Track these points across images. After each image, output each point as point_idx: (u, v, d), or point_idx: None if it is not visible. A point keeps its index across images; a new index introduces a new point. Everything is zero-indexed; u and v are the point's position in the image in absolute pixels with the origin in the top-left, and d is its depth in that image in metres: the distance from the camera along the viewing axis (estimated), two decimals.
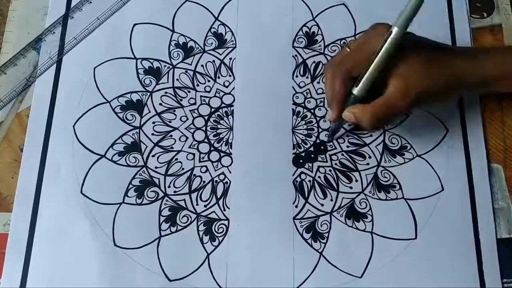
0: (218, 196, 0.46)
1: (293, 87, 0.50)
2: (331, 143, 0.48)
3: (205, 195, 0.47)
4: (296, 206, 0.46)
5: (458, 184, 0.47)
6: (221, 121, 0.49)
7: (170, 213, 0.46)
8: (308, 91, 0.50)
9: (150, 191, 0.46)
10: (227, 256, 0.45)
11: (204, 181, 0.47)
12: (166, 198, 0.46)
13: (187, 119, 0.49)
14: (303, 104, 0.50)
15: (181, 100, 0.50)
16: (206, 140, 0.48)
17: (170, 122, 0.49)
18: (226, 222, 0.46)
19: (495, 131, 0.49)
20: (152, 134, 0.48)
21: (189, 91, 0.50)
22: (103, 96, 0.49)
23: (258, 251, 0.45)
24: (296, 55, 0.51)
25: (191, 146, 0.48)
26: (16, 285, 0.43)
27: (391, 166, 0.48)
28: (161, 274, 0.44)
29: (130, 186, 0.46)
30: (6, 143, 0.48)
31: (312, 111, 0.49)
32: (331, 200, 0.47)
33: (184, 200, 0.46)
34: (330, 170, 0.48)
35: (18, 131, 0.48)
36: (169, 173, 0.47)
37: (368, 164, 0.48)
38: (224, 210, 0.46)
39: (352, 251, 0.45)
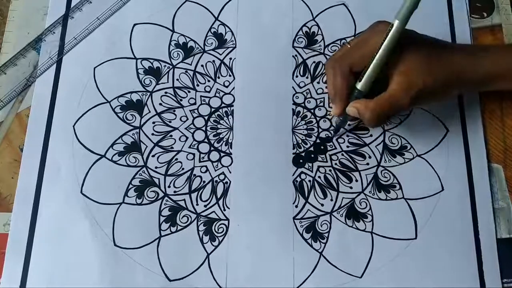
0: (218, 196, 0.46)
1: (293, 87, 0.50)
2: (331, 143, 0.48)
3: (205, 195, 0.47)
4: (296, 206, 0.46)
5: (458, 184, 0.47)
6: (221, 121, 0.49)
7: (170, 213, 0.46)
8: (308, 91, 0.50)
9: (150, 191, 0.46)
10: (227, 256, 0.45)
11: (204, 181, 0.47)
12: (166, 198, 0.46)
13: (187, 119, 0.49)
14: (303, 104, 0.50)
15: (181, 100, 0.50)
16: (206, 140, 0.48)
17: (170, 122, 0.49)
18: (226, 222, 0.46)
19: (495, 131, 0.49)
20: (152, 134, 0.48)
21: (189, 91, 0.50)
22: (103, 96, 0.49)
23: (258, 251, 0.45)
24: (296, 55, 0.51)
25: (191, 146, 0.48)
26: (16, 285, 0.43)
27: (391, 166, 0.48)
28: (161, 274, 0.44)
29: (130, 186, 0.46)
30: (6, 143, 0.48)
31: (312, 111, 0.49)
32: (331, 200, 0.47)
33: (184, 200, 0.46)
34: (330, 170, 0.48)
35: (18, 131, 0.48)
36: (169, 173, 0.47)
37: (368, 164, 0.48)
38: (224, 210, 0.46)
39: (352, 251, 0.45)
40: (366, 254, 0.45)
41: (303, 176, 0.47)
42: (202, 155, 0.48)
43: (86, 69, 0.50)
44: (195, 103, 0.50)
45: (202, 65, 0.51)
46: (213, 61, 0.51)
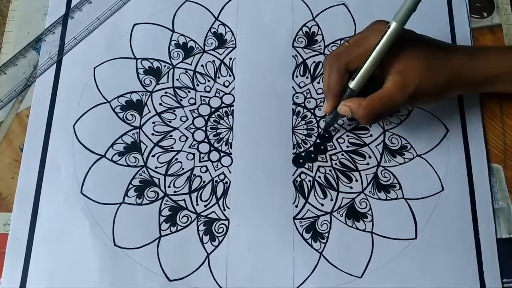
0: (218, 196, 0.46)
1: (293, 87, 0.50)
2: (331, 143, 0.48)
3: (205, 195, 0.47)
4: (296, 206, 0.46)
5: (458, 184, 0.47)
6: (221, 121, 0.49)
7: (170, 213, 0.46)
8: (308, 91, 0.50)
9: (150, 191, 0.46)
10: (227, 256, 0.45)
11: (204, 181, 0.47)
12: (166, 198, 0.46)
13: (187, 119, 0.49)
14: (303, 104, 0.50)
15: (181, 100, 0.50)
16: (206, 140, 0.48)
17: (170, 122, 0.49)
18: (226, 222, 0.46)
19: (495, 131, 0.49)
20: (152, 134, 0.48)
21: (189, 91, 0.50)
22: (103, 96, 0.49)
23: (258, 251, 0.45)
24: (296, 55, 0.51)
25: (191, 146, 0.48)
26: (16, 285, 0.43)
27: (391, 166, 0.48)
28: (161, 274, 0.44)
29: (130, 186, 0.46)
30: (6, 143, 0.48)
31: (312, 111, 0.49)
32: (331, 200, 0.47)
33: (184, 200, 0.46)
34: (330, 170, 0.48)
35: (18, 131, 0.48)
36: (169, 173, 0.47)
37: (368, 164, 0.48)
38: (224, 210, 0.46)
39: (352, 251, 0.45)
40: (366, 254, 0.45)
41: (303, 176, 0.47)
42: (202, 155, 0.48)
43: (86, 69, 0.50)
44: (195, 103, 0.50)
45: (202, 65, 0.51)
46: (213, 61, 0.51)
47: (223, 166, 0.47)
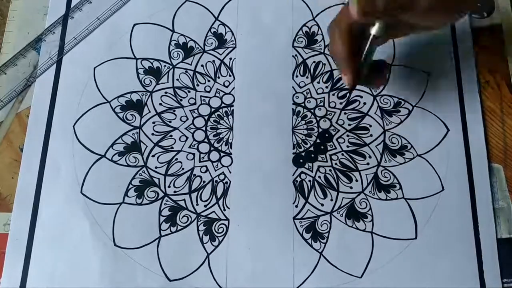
0: (218, 196, 0.46)
1: (293, 87, 0.50)
2: (331, 143, 0.48)
3: (205, 195, 0.46)
4: (296, 206, 0.46)
5: (458, 184, 0.47)
6: (221, 121, 0.49)
7: (170, 213, 0.46)
8: (308, 91, 0.50)
9: (150, 191, 0.46)
10: (227, 256, 0.45)
11: (204, 181, 0.47)
12: (166, 198, 0.46)
13: (187, 119, 0.49)
14: (303, 104, 0.50)
15: (181, 100, 0.50)
16: (206, 140, 0.48)
17: (170, 122, 0.49)
18: (226, 222, 0.46)
19: (495, 131, 0.49)
20: (152, 134, 0.48)
21: (189, 91, 0.50)
22: (103, 96, 0.49)
23: (258, 251, 0.45)
24: (296, 55, 0.51)
25: (191, 146, 0.48)
26: (16, 285, 0.43)
27: (391, 166, 0.48)
28: (161, 274, 0.44)
29: (130, 186, 0.46)
30: (6, 143, 0.48)
31: (312, 111, 0.49)
32: (331, 200, 0.47)
33: (184, 200, 0.46)
34: (330, 170, 0.47)
35: (18, 131, 0.48)
36: (169, 173, 0.47)
37: (368, 164, 0.48)
38: (224, 210, 0.46)
39: (352, 251, 0.45)
40: (366, 254, 0.45)
41: (303, 176, 0.47)
42: (202, 155, 0.48)
43: (86, 69, 0.50)
44: (195, 103, 0.50)
45: (202, 65, 0.51)
46: (213, 61, 0.51)
47: (223, 166, 0.47)
